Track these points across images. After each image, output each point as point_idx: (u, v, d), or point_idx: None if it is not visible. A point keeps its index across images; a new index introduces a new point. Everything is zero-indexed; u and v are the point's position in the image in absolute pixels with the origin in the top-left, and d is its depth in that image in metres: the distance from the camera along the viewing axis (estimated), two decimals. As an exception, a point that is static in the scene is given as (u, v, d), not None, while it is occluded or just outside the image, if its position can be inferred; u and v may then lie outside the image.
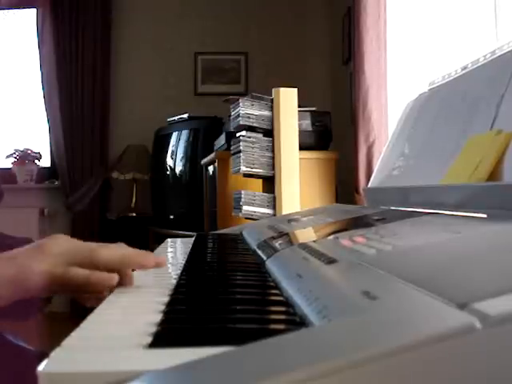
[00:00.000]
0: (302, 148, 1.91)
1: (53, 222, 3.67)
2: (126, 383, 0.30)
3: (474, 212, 0.64)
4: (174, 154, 3.37)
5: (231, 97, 2.19)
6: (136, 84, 3.75)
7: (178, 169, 3.35)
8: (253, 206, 1.87)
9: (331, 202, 2.03)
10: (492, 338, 0.27)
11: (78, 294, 0.64)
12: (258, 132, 1.90)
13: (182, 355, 0.33)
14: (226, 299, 0.53)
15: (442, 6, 2.01)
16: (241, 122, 1.86)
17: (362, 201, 1.65)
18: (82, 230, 3.60)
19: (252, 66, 3.75)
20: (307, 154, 2.02)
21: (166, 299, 0.52)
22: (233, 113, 1.96)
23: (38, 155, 3.74)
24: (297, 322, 0.43)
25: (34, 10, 3.71)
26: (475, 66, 0.90)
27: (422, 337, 0.27)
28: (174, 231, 3.01)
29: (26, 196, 3.64)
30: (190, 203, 3.16)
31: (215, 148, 2.61)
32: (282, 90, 1.88)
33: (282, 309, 0.48)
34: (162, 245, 1.12)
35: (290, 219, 1.11)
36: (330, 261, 0.53)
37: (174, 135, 3.35)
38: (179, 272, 0.69)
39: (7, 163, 3.69)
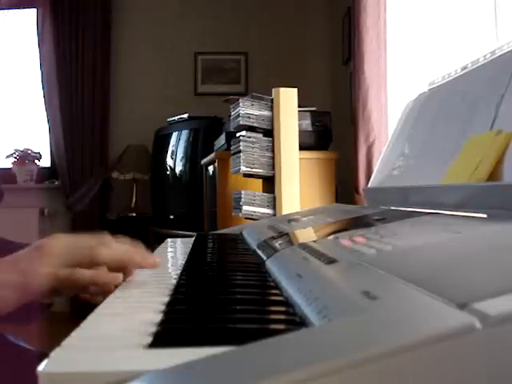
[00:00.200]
0: (301, 148, 1.91)
1: (53, 222, 3.67)
2: (125, 383, 0.30)
3: (474, 212, 0.64)
4: (173, 153, 3.37)
5: (231, 97, 2.19)
6: (136, 84, 3.75)
7: (178, 169, 3.35)
8: (253, 205, 1.87)
9: (331, 202, 2.03)
10: (492, 338, 0.27)
11: (82, 293, 0.64)
12: (258, 132, 1.89)
13: (182, 355, 0.33)
14: (225, 299, 0.53)
15: (442, 6, 2.01)
16: (241, 122, 1.86)
17: (362, 201, 1.65)
18: (82, 230, 3.57)
19: (252, 66, 3.75)
20: (307, 154, 2.02)
21: (166, 299, 0.52)
22: (233, 113, 1.96)
23: (38, 155, 3.74)
24: (297, 322, 0.43)
25: (34, 10, 3.71)
26: (475, 66, 0.90)
27: (421, 337, 0.27)
28: (173, 231, 3.01)
29: (26, 196, 3.64)
30: (190, 203, 3.16)
31: (215, 148, 2.61)
32: (282, 89, 1.88)
33: (282, 309, 0.48)
34: (162, 245, 1.12)
35: (289, 219, 1.11)
36: (330, 261, 0.53)
37: (174, 135, 3.35)
38: (179, 272, 0.69)
39: (7, 163, 3.69)
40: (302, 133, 1.94)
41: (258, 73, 3.69)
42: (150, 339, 0.39)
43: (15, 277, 0.57)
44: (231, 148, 2.01)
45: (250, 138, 1.88)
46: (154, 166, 3.57)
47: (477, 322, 0.27)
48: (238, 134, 1.94)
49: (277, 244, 0.79)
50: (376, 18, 2.00)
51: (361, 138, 2.03)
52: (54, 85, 3.62)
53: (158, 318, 0.45)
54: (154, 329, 0.42)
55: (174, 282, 0.62)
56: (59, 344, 0.37)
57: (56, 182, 3.74)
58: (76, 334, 0.41)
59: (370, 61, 2.00)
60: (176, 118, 3.31)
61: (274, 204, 1.88)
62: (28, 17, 3.80)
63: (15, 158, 3.67)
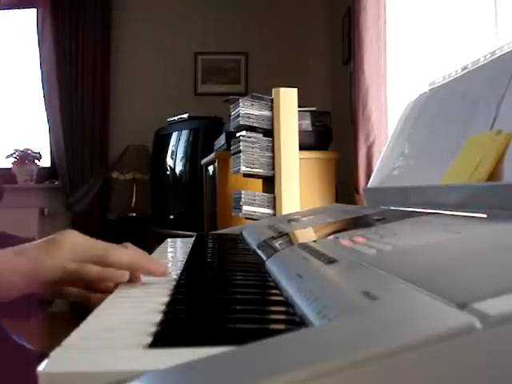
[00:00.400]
0: (301, 148, 1.91)
1: (53, 222, 3.67)
2: (125, 383, 0.30)
3: (474, 212, 0.64)
4: (174, 154, 3.37)
5: (231, 97, 2.19)
6: (136, 84, 3.75)
7: (178, 169, 3.35)
8: (253, 205, 1.87)
9: (331, 202, 2.03)
10: (492, 337, 0.27)
11: (82, 296, 0.65)
12: (258, 132, 1.89)
13: (182, 355, 0.33)
14: (225, 299, 0.53)
15: (442, 5, 2.01)
16: (241, 122, 1.86)
17: (362, 201, 1.65)
18: (82, 230, 3.50)
19: (252, 66, 3.75)
20: (307, 154, 2.02)
21: (166, 299, 0.52)
22: (233, 113, 1.96)
23: (38, 155, 3.74)
24: (297, 322, 0.43)
25: (34, 10, 3.71)
26: (475, 66, 0.90)
27: (422, 337, 0.27)
28: (173, 231, 3.01)
29: (26, 196, 3.64)
30: (190, 203, 3.16)
31: (215, 148, 2.61)
32: (282, 90, 1.88)
33: (282, 309, 0.48)
34: (162, 245, 1.12)
35: (290, 219, 1.11)
36: (330, 261, 0.53)
37: (174, 135, 3.35)
38: (179, 272, 0.69)
39: (7, 163, 3.69)
40: (301, 133, 1.94)
41: (258, 73, 3.70)
42: (150, 339, 0.39)
43: (25, 263, 0.58)
44: (231, 148, 2.01)
45: (249, 138, 1.88)
46: (154, 166, 3.57)
47: (477, 321, 0.27)
48: (238, 134, 1.94)
49: (277, 244, 0.78)
50: (376, 17, 1.99)
51: (361, 138, 2.03)
52: (54, 85, 3.62)
53: (158, 318, 0.45)
54: (154, 329, 0.42)
55: (174, 282, 0.62)
56: (59, 344, 0.37)
57: (56, 182, 3.74)
58: (76, 334, 0.41)
59: (369, 61, 2.00)
60: (176, 117, 3.31)
61: (274, 204, 1.88)
62: (28, 17, 3.80)
63: (15, 157, 3.67)
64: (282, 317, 0.47)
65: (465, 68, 0.94)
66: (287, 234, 0.87)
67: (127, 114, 3.74)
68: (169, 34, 3.75)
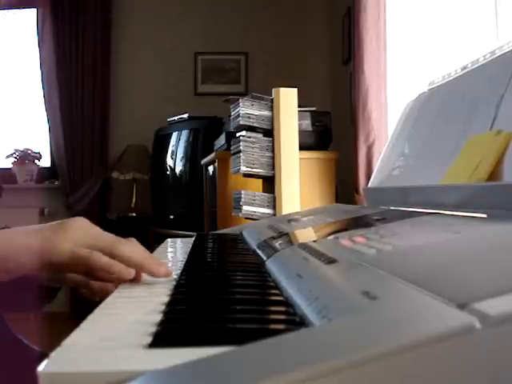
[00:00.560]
0: (302, 148, 1.91)
1: (53, 222, 3.66)
2: (125, 383, 0.30)
3: (474, 212, 0.64)
4: (174, 154, 3.37)
5: (231, 97, 2.19)
6: (136, 84, 3.75)
7: (178, 169, 3.35)
8: (253, 205, 1.87)
9: (331, 202, 2.03)
10: (492, 337, 0.27)
11: (82, 282, 0.66)
12: (258, 132, 1.90)
13: (182, 355, 0.33)
14: (226, 299, 0.53)
15: (442, 5, 2.01)
16: (241, 122, 1.86)
17: (362, 201, 1.65)
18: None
19: (252, 66, 3.75)
20: (307, 154, 2.02)
21: (166, 299, 0.52)
22: (233, 113, 1.96)
23: (38, 155, 3.74)
24: (297, 321, 0.43)
25: (34, 10, 3.71)
26: (475, 66, 0.90)
27: (422, 337, 0.27)
28: (174, 231, 3.01)
29: (26, 196, 3.64)
30: (190, 203, 3.16)
31: (215, 148, 2.61)
32: (282, 90, 1.88)
33: (282, 309, 0.48)
34: (162, 245, 1.12)
35: (290, 219, 1.11)
36: (330, 261, 0.53)
37: (174, 135, 3.35)
38: (179, 272, 0.69)
39: (7, 163, 3.69)
40: (301, 133, 1.94)
41: (258, 73, 3.69)
42: (149, 339, 0.39)
43: (36, 243, 0.60)
44: (231, 148, 2.01)
45: (250, 138, 1.88)
46: (154, 166, 3.57)
47: (477, 322, 0.27)
48: (238, 134, 1.94)
49: (277, 244, 0.78)
50: (376, 17, 2.00)
51: (361, 138, 2.03)
52: (54, 85, 3.62)
53: (158, 317, 0.45)
54: (154, 329, 0.42)
55: (174, 282, 0.62)
56: (59, 344, 0.37)
57: (56, 182, 3.74)
58: (76, 334, 0.41)
59: (369, 61, 2.00)
60: (176, 117, 3.31)
61: (274, 204, 1.88)
62: (28, 17, 3.80)
63: (15, 157, 3.67)
64: (282, 317, 0.47)
65: (464, 68, 0.94)
66: (287, 234, 0.87)
67: (127, 114, 3.74)
68: (169, 33, 3.75)
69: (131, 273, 0.62)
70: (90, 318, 0.47)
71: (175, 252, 1.04)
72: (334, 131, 2.17)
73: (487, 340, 0.27)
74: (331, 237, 0.69)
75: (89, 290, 0.66)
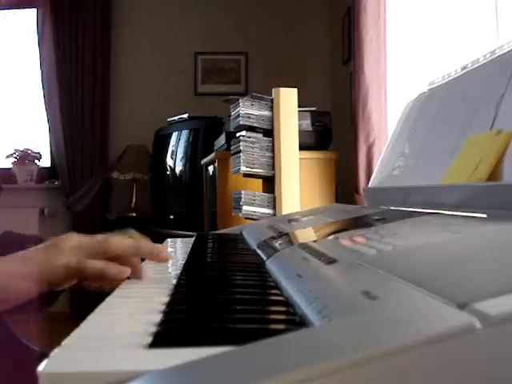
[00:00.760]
0: (302, 148, 1.91)
1: (53, 222, 3.67)
2: (125, 383, 0.30)
3: (474, 212, 0.64)
4: (174, 154, 3.37)
5: (231, 97, 2.19)
6: (136, 84, 3.75)
7: (178, 169, 3.35)
8: (253, 206, 1.87)
9: (331, 202, 2.03)
10: (492, 337, 0.27)
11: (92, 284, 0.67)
12: (258, 132, 1.90)
13: (182, 355, 0.33)
14: (226, 299, 0.53)
15: (443, 5, 2.01)
16: (241, 122, 1.86)
17: (362, 201, 1.65)
18: (82, 230, 3.55)
19: (252, 66, 3.75)
20: (307, 154, 2.02)
21: (166, 299, 0.52)
22: (233, 113, 1.96)
23: (38, 155, 3.74)
24: (297, 321, 0.43)
25: (34, 10, 3.71)
26: (475, 66, 0.90)
27: (422, 337, 0.27)
28: (174, 231, 3.01)
29: (26, 196, 3.64)
30: (190, 203, 3.16)
31: (215, 148, 2.61)
32: (282, 90, 1.88)
33: (282, 309, 0.48)
34: (162, 245, 1.12)
35: (290, 219, 1.11)
36: (330, 261, 0.53)
37: (174, 135, 3.35)
38: (179, 272, 0.69)
39: (7, 163, 3.69)
40: (301, 133, 1.94)
41: (258, 73, 3.69)
42: (150, 339, 0.39)
43: (29, 268, 0.61)
44: (231, 148, 2.01)
45: (250, 138, 1.88)
46: (154, 166, 3.57)
47: (477, 322, 0.27)
48: (238, 134, 1.94)
49: (277, 244, 0.78)
50: (376, 18, 2.00)
51: (361, 138, 2.03)
52: (54, 85, 3.62)
53: (158, 318, 0.45)
54: (154, 329, 0.42)
55: (174, 281, 0.62)
56: (59, 344, 0.37)
57: (56, 182, 3.74)
58: (76, 334, 0.41)
59: (369, 61, 2.00)
60: (176, 117, 3.31)
61: (274, 204, 1.88)
62: (28, 17, 3.80)
63: (15, 157, 3.67)
64: (282, 317, 0.47)
65: (464, 68, 0.94)
66: (287, 234, 0.87)
67: (127, 114, 3.74)
68: (169, 34, 3.75)
69: (126, 271, 0.63)
70: (90, 317, 0.47)
71: (175, 252, 1.04)
72: (334, 131, 2.17)
73: (487, 340, 0.27)
74: (331, 237, 0.69)
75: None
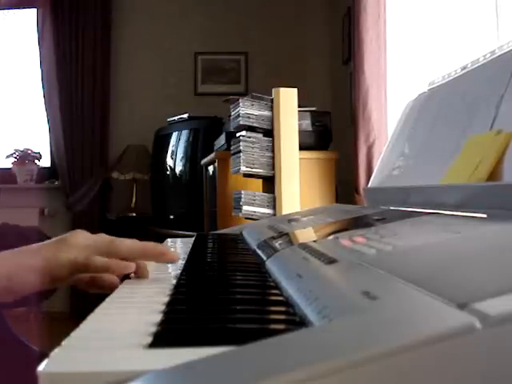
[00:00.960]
0: (302, 148, 1.91)
1: (53, 222, 3.67)
2: (125, 383, 0.30)
3: (474, 212, 0.64)
4: (174, 154, 3.37)
5: (231, 97, 2.19)
6: (136, 84, 3.75)
7: (178, 169, 3.35)
8: (253, 206, 1.87)
9: (331, 202, 2.03)
10: (492, 337, 0.27)
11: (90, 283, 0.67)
12: (258, 132, 1.90)
13: (182, 355, 0.33)
14: (226, 299, 0.53)
15: (443, 5, 2.01)
16: (241, 122, 1.86)
17: (362, 201, 1.65)
18: (82, 229, 3.59)
19: (252, 66, 3.75)
20: (307, 154, 2.02)
21: (166, 299, 0.52)
22: (233, 113, 1.96)
23: (38, 155, 3.74)
24: (297, 321, 0.43)
25: (34, 10, 3.71)
26: (475, 66, 0.90)
27: (422, 337, 0.27)
28: (174, 231, 3.01)
29: (25, 196, 3.64)
30: (190, 203, 3.16)
31: (215, 148, 2.61)
32: (282, 90, 1.88)
33: (282, 309, 0.48)
34: (162, 245, 1.11)
35: (290, 219, 1.11)
36: (330, 261, 0.53)
37: (174, 135, 3.35)
38: (179, 272, 0.69)
39: (7, 163, 3.69)
40: (301, 133, 1.94)
41: (258, 73, 3.69)
42: (150, 339, 0.39)
43: (36, 262, 0.62)
44: (231, 148, 2.01)
45: (250, 138, 1.88)
46: (154, 166, 3.57)
47: (477, 321, 0.27)
48: (238, 134, 1.94)
49: (277, 244, 0.78)
50: (376, 18, 2.00)
51: (361, 138, 2.03)
52: (53, 85, 3.62)
53: (158, 318, 0.45)
54: (154, 329, 0.42)
55: (174, 281, 0.62)
56: (59, 344, 0.37)
57: (56, 182, 3.74)
58: (76, 334, 0.41)
59: (369, 61, 2.00)
60: (176, 117, 3.31)
61: (274, 204, 1.88)
62: (28, 17, 3.80)
63: (15, 157, 3.67)
64: (282, 317, 0.47)
65: (464, 68, 0.94)
66: (287, 234, 0.87)
67: (127, 114, 3.74)
68: (169, 34, 3.75)
69: (131, 266, 0.64)
70: (90, 317, 0.47)
71: (175, 252, 1.04)
72: (334, 131, 2.17)
73: (487, 340, 0.27)
74: (331, 237, 0.69)
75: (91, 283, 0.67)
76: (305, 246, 0.65)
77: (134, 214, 3.64)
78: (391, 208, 0.94)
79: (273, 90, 1.90)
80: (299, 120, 1.92)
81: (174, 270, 0.71)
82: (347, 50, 2.94)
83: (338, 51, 3.28)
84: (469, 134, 0.79)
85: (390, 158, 1.11)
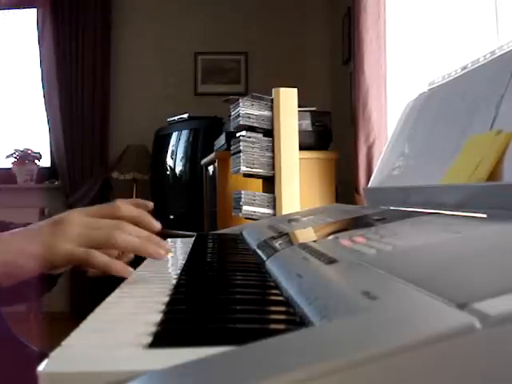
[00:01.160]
0: (302, 148, 1.91)
1: (53, 222, 3.66)
2: (125, 383, 0.30)
3: (474, 212, 0.64)
4: (174, 153, 3.37)
5: (231, 97, 2.19)
6: (136, 84, 3.75)
7: (178, 169, 3.35)
8: (253, 206, 1.87)
9: (331, 202, 2.03)
10: (492, 337, 0.27)
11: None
12: (258, 132, 1.90)
13: (182, 355, 0.33)
14: (226, 299, 0.53)
15: (442, 5, 2.01)
16: (241, 122, 1.86)
17: (362, 201, 1.65)
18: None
19: (252, 66, 3.75)
20: (307, 154, 2.02)
21: (166, 299, 0.52)
22: (233, 113, 1.96)
23: (38, 155, 3.74)
24: (297, 321, 0.43)
25: (34, 10, 3.71)
26: (475, 66, 0.90)
27: (422, 337, 0.27)
28: (174, 231, 3.01)
29: (26, 196, 3.65)
30: (190, 203, 3.16)
31: (215, 148, 2.61)
32: (282, 90, 1.88)
33: (282, 309, 0.48)
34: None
35: (290, 219, 1.11)
36: (330, 261, 0.53)
37: (174, 135, 3.35)
38: (179, 272, 0.69)
39: (7, 163, 3.69)
40: (301, 133, 1.94)
41: (258, 73, 3.69)
42: (150, 339, 0.39)
43: (34, 248, 0.62)
44: (231, 148, 2.01)
45: (250, 138, 1.88)
46: (154, 166, 3.56)
47: (477, 322, 0.27)
48: (238, 134, 1.94)
49: (277, 244, 0.78)
50: (376, 18, 2.00)
51: (361, 138, 2.03)
52: (53, 85, 3.62)
53: (158, 317, 0.45)
54: (153, 329, 0.42)
55: (174, 281, 0.62)
56: (59, 344, 0.37)
57: (56, 182, 3.74)
58: (76, 334, 0.41)
59: (369, 61, 2.00)
60: (176, 117, 3.31)
61: (274, 204, 1.88)
62: (28, 17, 3.80)
63: (15, 157, 3.67)
64: (282, 317, 0.47)
65: (464, 68, 0.94)
66: (287, 234, 0.87)
67: (127, 114, 3.74)
68: (169, 34, 3.75)
69: (129, 272, 0.64)
70: (90, 317, 0.47)
71: (175, 252, 1.04)
72: (334, 131, 2.17)
73: (487, 340, 0.27)
74: (331, 237, 0.69)
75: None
76: (305, 246, 0.65)
77: (134, 214, 3.63)
78: (391, 208, 0.94)
79: (273, 90, 1.90)
80: (299, 120, 1.92)
81: (173, 270, 0.71)
82: (347, 50, 2.94)
83: (338, 51, 3.28)
84: (469, 134, 0.79)
85: (390, 158, 1.11)
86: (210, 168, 2.64)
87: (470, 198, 0.68)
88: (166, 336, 0.40)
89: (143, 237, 0.69)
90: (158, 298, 0.53)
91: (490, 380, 0.27)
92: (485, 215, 0.61)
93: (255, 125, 1.88)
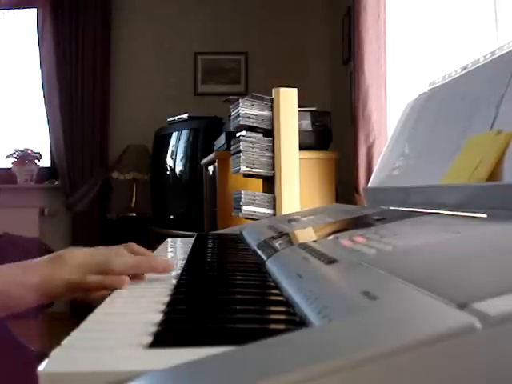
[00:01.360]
0: (302, 148, 1.91)
1: (53, 222, 3.67)
2: (125, 383, 0.30)
3: (474, 212, 0.64)
4: (174, 154, 3.37)
5: (231, 97, 2.19)
6: (136, 84, 3.75)
7: (178, 169, 3.35)
8: (253, 206, 1.87)
9: (331, 202, 2.03)
10: (492, 337, 0.27)
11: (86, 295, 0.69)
12: (258, 132, 1.89)
13: (182, 355, 0.33)
14: (226, 299, 0.53)
15: (442, 5, 2.01)
16: (241, 122, 1.86)
17: (362, 201, 1.65)
18: (82, 229, 3.60)
19: (252, 66, 3.75)
20: (307, 154, 2.02)
21: (166, 299, 0.52)
22: (233, 113, 1.96)
23: (38, 155, 3.73)
24: (297, 321, 0.43)
25: (34, 10, 3.71)
26: (475, 66, 0.90)
27: (421, 337, 0.27)
28: (174, 231, 3.01)
29: (26, 196, 3.64)
30: (190, 203, 3.16)
31: (215, 148, 2.61)
32: (282, 90, 1.88)
33: (282, 309, 0.48)
34: (162, 245, 1.12)
35: (290, 219, 1.11)
36: (330, 261, 0.53)
37: (174, 135, 3.35)
38: (179, 272, 0.69)
39: (7, 163, 3.69)
40: (301, 133, 1.94)
41: (258, 73, 3.69)
42: (150, 339, 0.39)
43: (34, 280, 0.63)
44: (231, 148, 2.01)
45: (250, 138, 1.88)
46: (154, 166, 3.56)
47: (477, 321, 0.27)
48: (238, 134, 1.94)
49: (277, 244, 0.78)
50: (376, 18, 2.00)
51: (361, 138, 2.03)
52: (54, 85, 3.62)
53: (158, 317, 0.45)
54: (154, 329, 0.42)
55: (174, 282, 0.62)
56: (59, 344, 0.37)
57: (56, 182, 3.74)
58: (76, 334, 0.41)
59: (369, 61, 2.00)
60: (176, 117, 3.31)
61: (274, 204, 1.87)
62: (28, 17, 3.80)
63: (15, 157, 3.67)
64: (282, 317, 0.47)
65: (465, 68, 0.94)
66: (287, 234, 0.87)
67: (127, 113, 3.74)
68: (169, 34, 3.74)
69: (125, 280, 0.64)
70: (90, 317, 0.47)
71: (175, 252, 1.04)
72: (334, 131, 2.17)
73: (487, 340, 0.27)
74: (331, 237, 0.69)
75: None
76: (305, 246, 0.65)
77: (134, 214, 3.64)
78: (391, 208, 0.94)
79: (273, 90, 1.90)
80: (299, 120, 1.92)
81: (173, 270, 0.71)
82: (347, 49, 2.94)
83: (338, 51, 3.28)
84: (469, 134, 0.79)
85: (390, 158, 1.11)
86: (210, 168, 2.64)
87: (470, 198, 0.68)
88: (166, 336, 0.40)
89: (140, 253, 0.71)
90: (158, 298, 0.53)
91: (490, 380, 0.27)
92: (485, 215, 0.61)
93: (255, 125, 1.88)
